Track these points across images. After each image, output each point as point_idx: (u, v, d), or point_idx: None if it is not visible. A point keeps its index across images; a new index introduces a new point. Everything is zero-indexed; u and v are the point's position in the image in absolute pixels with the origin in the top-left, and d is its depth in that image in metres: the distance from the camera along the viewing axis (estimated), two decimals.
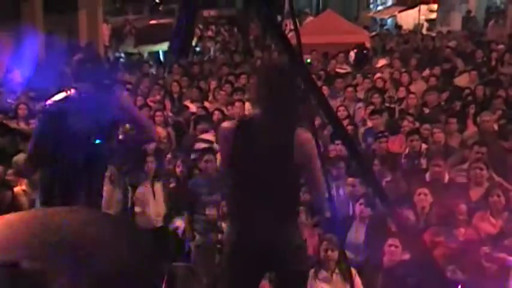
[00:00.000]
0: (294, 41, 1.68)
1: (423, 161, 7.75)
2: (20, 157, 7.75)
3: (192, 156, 8.00)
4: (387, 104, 10.54)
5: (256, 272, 3.80)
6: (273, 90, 3.61)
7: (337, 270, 5.47)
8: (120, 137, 4.19)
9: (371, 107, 9.79)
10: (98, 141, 3.95)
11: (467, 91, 10.79)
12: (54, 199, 3.98)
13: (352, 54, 14.88)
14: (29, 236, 1.34)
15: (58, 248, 1.30)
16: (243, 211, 3.72)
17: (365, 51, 14.99)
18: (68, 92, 4.10)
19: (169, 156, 7.90)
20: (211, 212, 6.46)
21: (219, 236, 6.07)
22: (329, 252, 5.47)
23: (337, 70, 13.58)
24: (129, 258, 1.35)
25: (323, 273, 5.49)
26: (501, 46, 15.09)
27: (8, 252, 1.25)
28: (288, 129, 3.60)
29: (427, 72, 12.68)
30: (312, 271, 5.50)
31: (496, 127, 8.80)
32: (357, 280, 5.37)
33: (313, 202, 3.91)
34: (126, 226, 1.58)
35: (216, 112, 9.47)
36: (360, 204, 6.34)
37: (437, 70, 12.66)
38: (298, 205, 3.82)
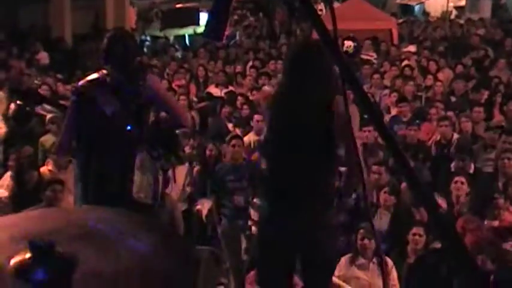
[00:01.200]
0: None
1: (452, 150, 7.67)
2: (48, 138, 7.83)
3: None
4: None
5: (287, 255, 3.74)
6: (297, 63, 3.68)
7: (374, 259, 5.44)
8: (152, 121, 4.16)
9: (396, 94, 9.71)
10: (129, 128, 3.93)
11: (496, 80, 10.65)
12: (89, 187, 4.00)
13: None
14: (59, 228, 1.37)
15: (83, 240, 1.33)
16: (276, 190, 3.71)
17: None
18: (100, 74, 4.07)
19: (192, 140, 7.92)
20: (239, 198, 6.45)
21: (248, 222, 6.05)
22: (365, 241, 5.45)
23: (363, 57, 13.47)
24: (153, 247, 1.36)
25: (360, 260, 5.47)
26: None
27: (44, 237, 1.28)
28: (313, 102, 3.58)
29: (455, 60, 12.54)
30: (348, 257, 5.49)
31: None
32: (394, 273, 5.33)
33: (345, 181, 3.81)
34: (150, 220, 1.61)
35: (240, 98, 9.47)
36: (384, 192, 6.31)
37: (467, 59, 12.50)
38: (332, 188, 3.73)
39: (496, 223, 5.81)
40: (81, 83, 4.14)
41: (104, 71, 4.05)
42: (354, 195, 5.07)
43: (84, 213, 1.49)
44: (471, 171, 7.04)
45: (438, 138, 8.03)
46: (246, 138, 7.57)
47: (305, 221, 3.59)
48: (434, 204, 1.44)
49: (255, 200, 5.87)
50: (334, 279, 5.33)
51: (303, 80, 3.63)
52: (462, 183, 6.26)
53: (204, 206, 7.02)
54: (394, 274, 5.35)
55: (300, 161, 3.58)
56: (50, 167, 7.22)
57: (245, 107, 8.89)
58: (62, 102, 8.60)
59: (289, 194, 3.61)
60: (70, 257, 1.24)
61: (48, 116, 7.98)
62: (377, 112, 1.58)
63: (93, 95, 3.98)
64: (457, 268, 1.31)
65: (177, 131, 4.64)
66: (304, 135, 3.59)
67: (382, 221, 6.24)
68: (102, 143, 3.95)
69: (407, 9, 25.15)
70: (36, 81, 11.12)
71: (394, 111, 9.31)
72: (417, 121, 8.35)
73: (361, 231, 5.50)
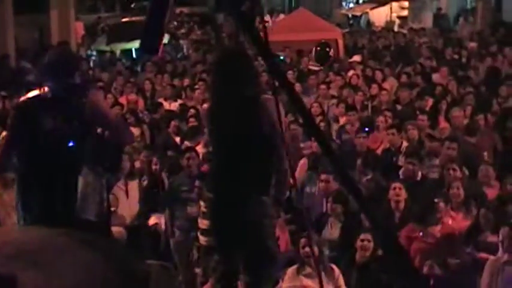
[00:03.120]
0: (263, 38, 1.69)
1: (401, 158, 7.78)
2: None
3: (169, 153, 7.94)
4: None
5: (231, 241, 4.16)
6: (214, 71, 4.29)
7: (320, 267, 5.48)
8: (95, 139, 4.10)
9: (343, 104, 9.84)
10: (71, 144, 3.88)
11: (439, 88, 10.90)
12: (32, 203, 3.91)
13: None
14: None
15: (22, 259, 1.31)
16: (217, 184, 4.17)
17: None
18: (41, 91, 4.02)
19: (143, 154, 7.86)
20: (192, 209, 6.43)
21: (198, 233, 6.02)
22: (307, 249, 5.48)
23: (310, 67, 13.62)
24: (96, 263, 1.35)
25: (307, 270, 5.49)
26: (473, 44, 15.30)
27: None
28: (237, 102, 3.96)
29: (399, 69, 12.79)
30: (295, 268, 5.52)
31: (466, 123, 8.91)
32: (341, 280, 5.39)
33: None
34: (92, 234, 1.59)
35: (191, 110, 9.48)
36: (328, 202, 6.38)
37: (409, 68, 12.76)
38: (262, 176, 4.06)
39: (438, 228, 5.91)
40: (22, 99, 4.09)
41: (45, 88, 4.01)
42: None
43: (21, 233, 1.46)
44: (418, 178, 7.15)
45: (387, 146, 8.15)
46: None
47: (243, 209, 3.97)
48: (375, 214, 1.48)
49: (202, 209, 5.85)
50: None
51: (225, 84, 4.01)
52: (400, 189, 6.34)
53: (160, 220, 6.97)
54: (341, 281, 5.41)
55: (235, 153, 3.99)
56: None
57: (192, 119, 8.90)
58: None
59: (227, 187, 4.03)
60: (9, 277, 1.21)
61: (3, 133, 7.76)
62: (314, 122, 1.62)
63: (33, 111, 3.93)
64: (398, 275, 1.36)
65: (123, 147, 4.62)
66: (236, 129, 3.97)
67: (332, 229, 6.30)
68: (43, 160, 3.89)
69: (354, 20, 25.62)
70: None
71: (342, 121, 9.42)
72: (366, 129, 8.47)
73: (303, 239, 5.54)
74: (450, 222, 6.02)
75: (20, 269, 1.25)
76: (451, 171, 6.77)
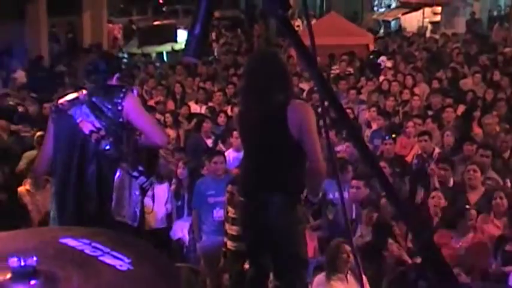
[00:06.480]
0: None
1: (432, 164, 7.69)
2: (32, 153, 7.72)
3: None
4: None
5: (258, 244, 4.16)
6: (246, 74, 4.26)
7: (350, 272, 5.45)
8: (131, 141, 4.10)
9: (375, 109, 9.78)
10: (107, 147, 3.88)
11: (470, 94, 10.77)
12: (67, 207, 3.94)
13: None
14: (33, 248, 1.36)
15: (61, 258, 1.32)
16: (243, 186, 4.24)
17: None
18: (79, 93, 4.05)
19: (172, 157, 7.89)
20: (218, 213, 6.41)
21: (225, 238, 6.00)
22: (343, 255, 5.45)
23: (340, 73, 13.59)
24: (133, 263, 1.36)
25: (337, 275, 5.46)
26: (508, 49, 15.08)
27: (26, 256, 1.26)
28: (265, 105, 3.96)
29: (431, 75, 12.67)
30: (323, 274, 5.49)
31: (498, 129, 8.79)
32: (367, 287, 5.35)
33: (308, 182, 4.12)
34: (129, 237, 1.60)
35: (222, 114, 9.51)
36: (363, 207, 6.33)
37: (441, 73, 12.64)
38: (298, 184, 4.03)
39: (470, 235, 5.83)
40: (60, 101, 4.11)
41: (84, 91, 4.03)
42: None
43: (58, 233, 1.48)
44: (450, 184, 7.06)
45: (419, 152, 8.06)
46: (225, 154, 7.54)
47: (274, 215, 3.92)
48: (413, 219, 1.45)
49: (231, 215, 5.83)
50: None
51: (258, 85, 4.00)
52: (439, 198, 6.29)
53: (183, 231, 6.96)
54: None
55: (265, 158, 3.99)
56: (27, 187, 7.15)
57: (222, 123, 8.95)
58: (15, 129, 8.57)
59: (259, 188, 3.99)
60: (51, 276, 1.22)
61: (38, 133, 7.87)
62: (354, 126, 1.60)
63: (71, 114, 3.95)
64: (437, 283, 1.33)
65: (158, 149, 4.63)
66: (265, 135, 3.97)
67: (362, 236, 6.25)
68: (80, 162, 3.91)
69: (385, 25, 25.46)
70: (11, 103, 11.02)
71: (374, 126, 9.36)
72: (393, 135, 8.40)
73: (335, 244, 5.52)
74: (492, 230, 5.94)
75: (60, 267, 1.26)
76: (472, 172, 6.69)
